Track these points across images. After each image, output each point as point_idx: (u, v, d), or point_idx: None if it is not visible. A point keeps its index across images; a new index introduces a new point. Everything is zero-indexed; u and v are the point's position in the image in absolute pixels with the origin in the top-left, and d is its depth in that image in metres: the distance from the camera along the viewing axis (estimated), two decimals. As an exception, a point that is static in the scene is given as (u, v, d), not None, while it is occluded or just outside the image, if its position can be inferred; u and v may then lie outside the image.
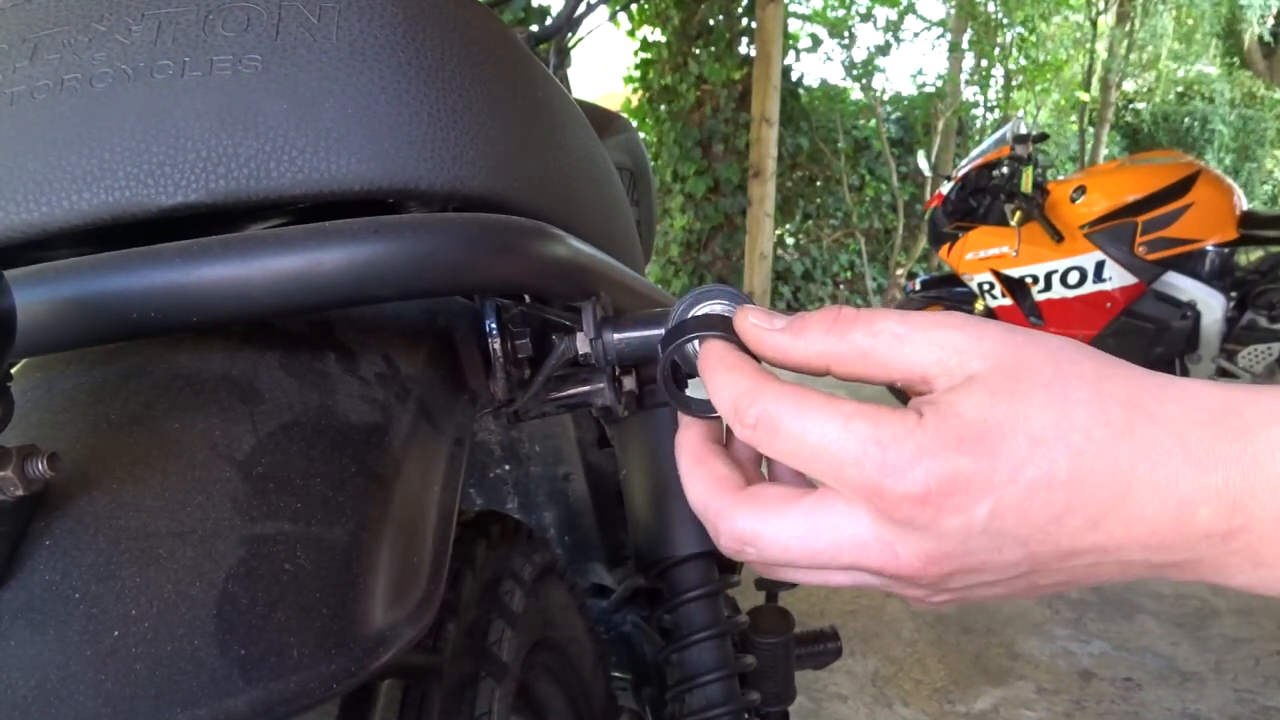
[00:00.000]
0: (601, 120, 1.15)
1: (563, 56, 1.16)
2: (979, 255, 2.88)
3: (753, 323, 0.30)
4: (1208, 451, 0.23)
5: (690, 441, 0.33)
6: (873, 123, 6.11)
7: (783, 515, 0.27)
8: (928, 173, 3.87)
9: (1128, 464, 0.23)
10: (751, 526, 0.27)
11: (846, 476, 0.25)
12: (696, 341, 0.32)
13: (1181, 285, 2.63)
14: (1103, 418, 0.24)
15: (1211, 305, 2.60)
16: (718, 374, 0.29)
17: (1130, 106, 9.40)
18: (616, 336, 0.40)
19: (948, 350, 0.26)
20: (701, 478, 0.30)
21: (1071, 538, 0.24)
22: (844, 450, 0.24)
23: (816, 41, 5.92)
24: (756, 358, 0.30)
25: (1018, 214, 2.74)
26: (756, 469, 0.33)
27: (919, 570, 0.25)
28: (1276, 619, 1.77)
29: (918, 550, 0.25)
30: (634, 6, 4.96)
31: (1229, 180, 2.68)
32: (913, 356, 0.26)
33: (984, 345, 0.26)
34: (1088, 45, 7.11)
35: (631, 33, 5.36)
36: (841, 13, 5.99)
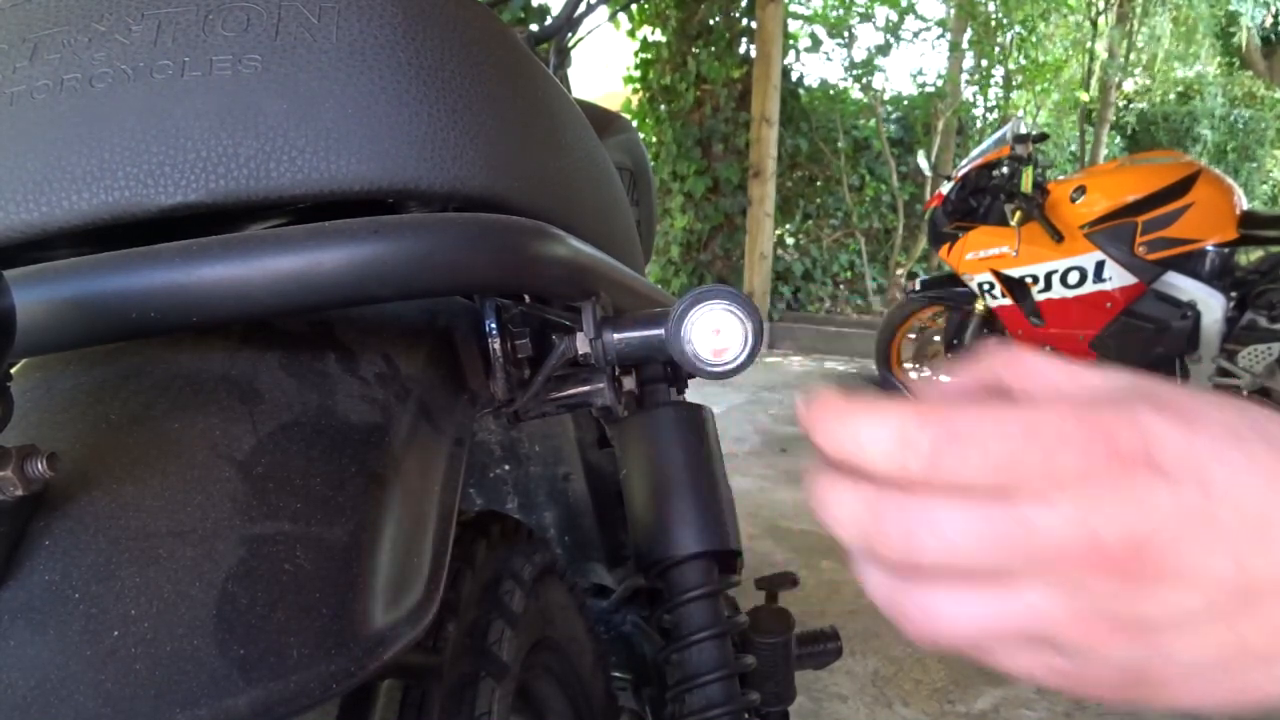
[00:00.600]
0: (601, 120, 1.15)
1: (563, 56, 1.16)
2: (979, 255, 2.89)
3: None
4: None
5: None
6: (873, 123, 6.11)
7: (961, 505, 0.22)
8: (928, 173, 3.87)
9: None
10: (929, 509, 0.22)
11: (1057, 462, 0.21)
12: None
13: (1181, 285, 2.63)
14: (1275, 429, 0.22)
15: (1211, 305, 2.60)
16: (871, 421, 0.23)
17: (1130, 106, 9.40)
18: (616, 336, 0.40)
19: (1090, 390, 0.24)
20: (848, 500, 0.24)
21: None
22: (1050, 433, 0.21)
23: (816, 41, 5.92)
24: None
25: (1018, 214, 2.74)
26: None
27: (1120, 557, 0.21)
28: (1276, 619, 1.77)
29: (1121, 526, 0.21)
30: (634, 6, 4.96)
31: (1229, 180, 2.68)
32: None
33: (1118, 382, 0.24)
34: (1087, 45, 7.11)
35: (631, 33, 5.35)
36: (841, 13, 5.99)
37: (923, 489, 0.23)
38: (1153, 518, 0.21)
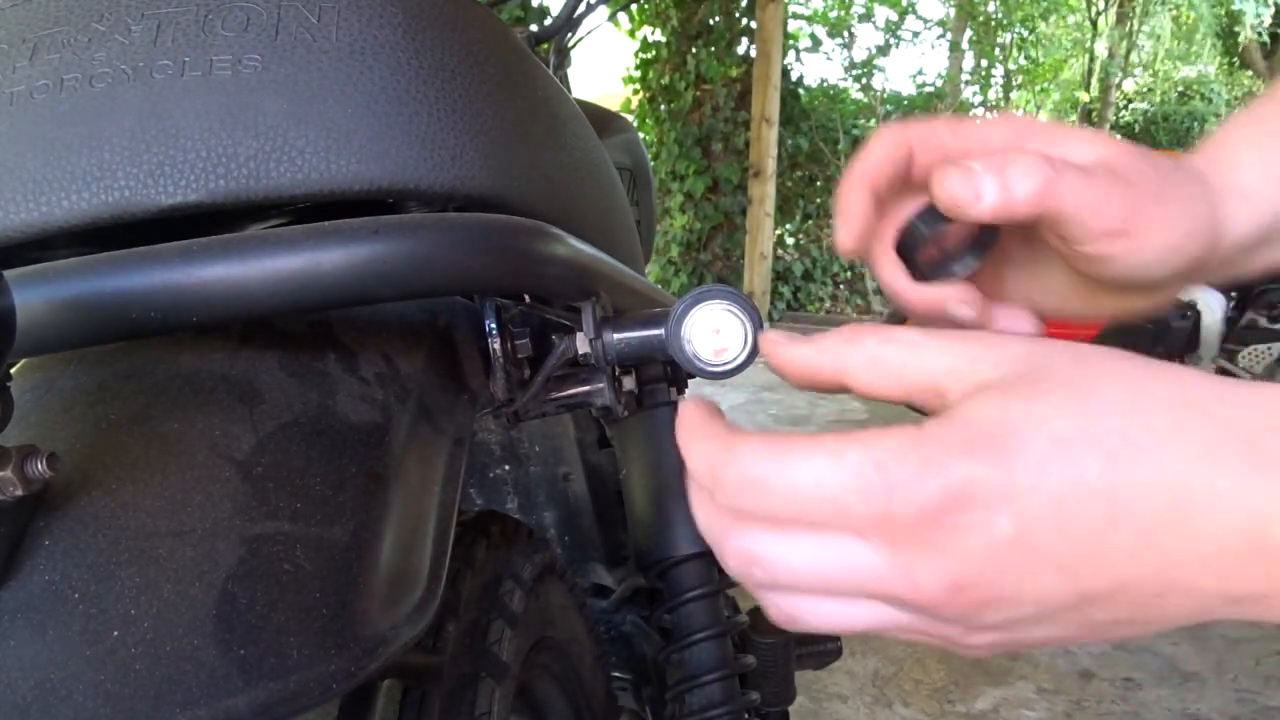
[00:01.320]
0: (601, 120, 1.15)
1: (563, 56, 1.16)
2: (979, 255, 2.89)
3: (772, 339, 0.29)
4: None
5: (693, 414, 0.28)
6: (873, 123, 6.11)
7: (789, 535, 0.24)
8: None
9: (1180, 470, 0.20)
10: (760, 545, 0.24)
11: (852, 514, 0.22)
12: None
13: (1181, 285, 2.62)
14: (1142, 420, 0.21)
15: (1211, 305, 2.60)
16: (694, 444, 0.26)
17: (1130, 106, 9.41)
18: (616, 336, 0.40)
19: (960, 357, 0.24)
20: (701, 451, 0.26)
21: (1122, 560, 0.21)
22: (840, 483, 0.22)
23: (816, 41, 5.92)
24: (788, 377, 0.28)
25: (1018, 214, 2.74)
26: None
27: (944, 600, 0.22)
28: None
29: (940, 576, 0.22)
30: (634, 6, 4.96)
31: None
32: (925, 364, 0.24)
33: (1000, 352, 0.24)
34: (1087, 45, 7.11)
35: (631, 33, 5.36)
36: (841, 13, 5.99)
37: (755, 530, 0.24)
38: (968, 561, 0.21)
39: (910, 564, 0.22)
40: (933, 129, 0.31)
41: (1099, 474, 0.20)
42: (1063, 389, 0.22)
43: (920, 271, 0.32)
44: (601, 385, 0.46)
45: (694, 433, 0.26)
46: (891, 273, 0.33)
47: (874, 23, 5.97)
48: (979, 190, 0.27)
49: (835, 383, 0.27)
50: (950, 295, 0.32)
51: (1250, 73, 8.77)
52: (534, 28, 1.10)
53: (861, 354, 0.26)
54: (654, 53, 5.43)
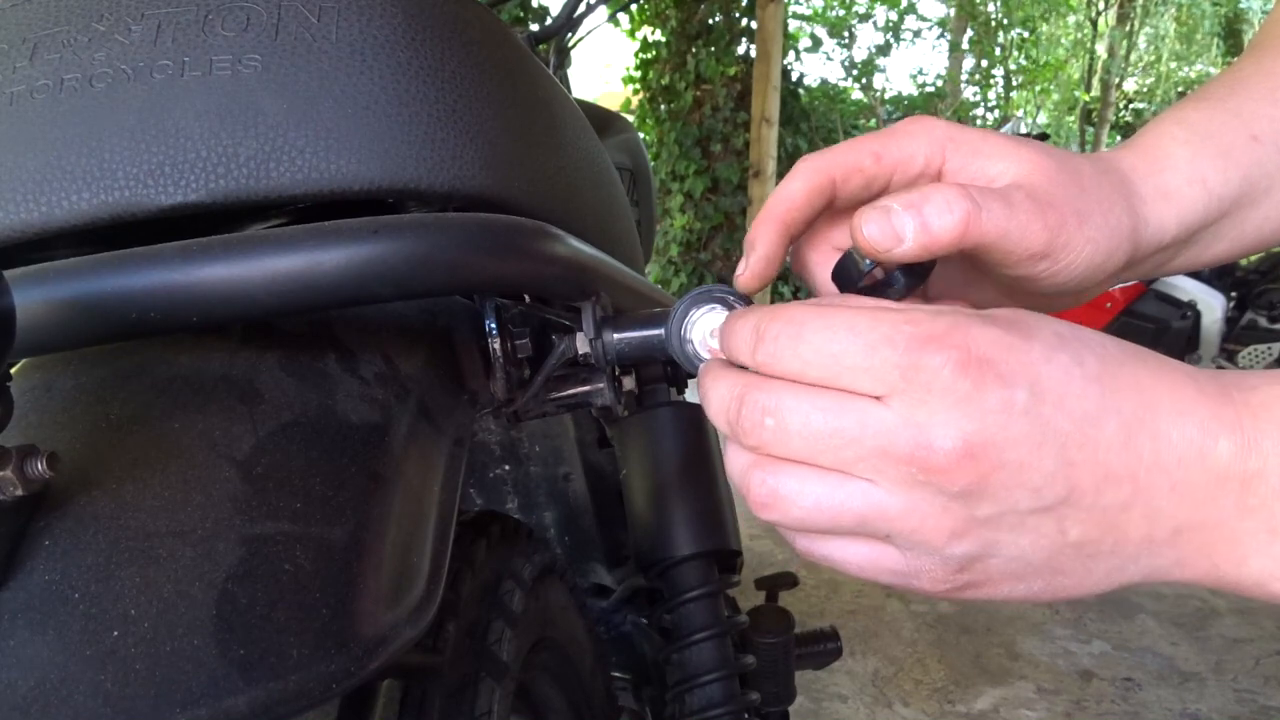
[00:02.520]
0: (601, 120, 1.15)
1: (563, 56, 1.16)
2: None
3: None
4: (1219, 390, 0.24)
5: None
6: (873, 123, 6.11)
7: (812, 392, 0.24)
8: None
9: (1149, 382, 0.24)
10: (776, 396, 0.25)
11: (881, 358, 0.23)
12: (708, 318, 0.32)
13: (1182, 285, 2.63)
14: (1114, 341, 0.24)
15: (1211, 305, 2.60)
16: (737, 319, 0.27)
17: (1130, 106, 9.41)
18: (616, 336, 0.40)
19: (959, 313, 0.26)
20: (729, 371, 0.27)
21: (1107, 449, 0.23)
22: (875, 332, 0.23)
23: (816, 41, 5.92)
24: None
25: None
26: None
27: (952, 463, 0.22)
28: (1276, 619, 1.77)
29: (954, 433, 0.22)
30: (634, 6, 4.96)
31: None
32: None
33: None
34: (1088, 45, 7.11)
35: (631, 33, 5.36)
36: (841, 13, 5.99)
37: (777, 383, 0.25)
38: (985, 421, 0.23)
39: (926, 420, 0.23)
40: (853, 155, 0.32)
41: (1094, 365, 0.23)
42: (1055, 319, 0.25)
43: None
44: (601, 385, 0.46)
45: (743, 313, 0.28)
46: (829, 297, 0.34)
47: (874, 23, 5.97)
48: (899, 232, 0.27)
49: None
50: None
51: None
52: (534, 27, 1.10)
53: (864, 300, 0.27)
54: (654, 53, 5.43)
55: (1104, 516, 0.24)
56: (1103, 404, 0.23)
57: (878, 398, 0.23)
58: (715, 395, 0.27)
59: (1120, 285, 2.72)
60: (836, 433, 0.24)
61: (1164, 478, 0.23)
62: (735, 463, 0.26)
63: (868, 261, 0.30)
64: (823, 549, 0.26)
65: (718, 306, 0.33)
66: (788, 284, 6.01)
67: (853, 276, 0.31)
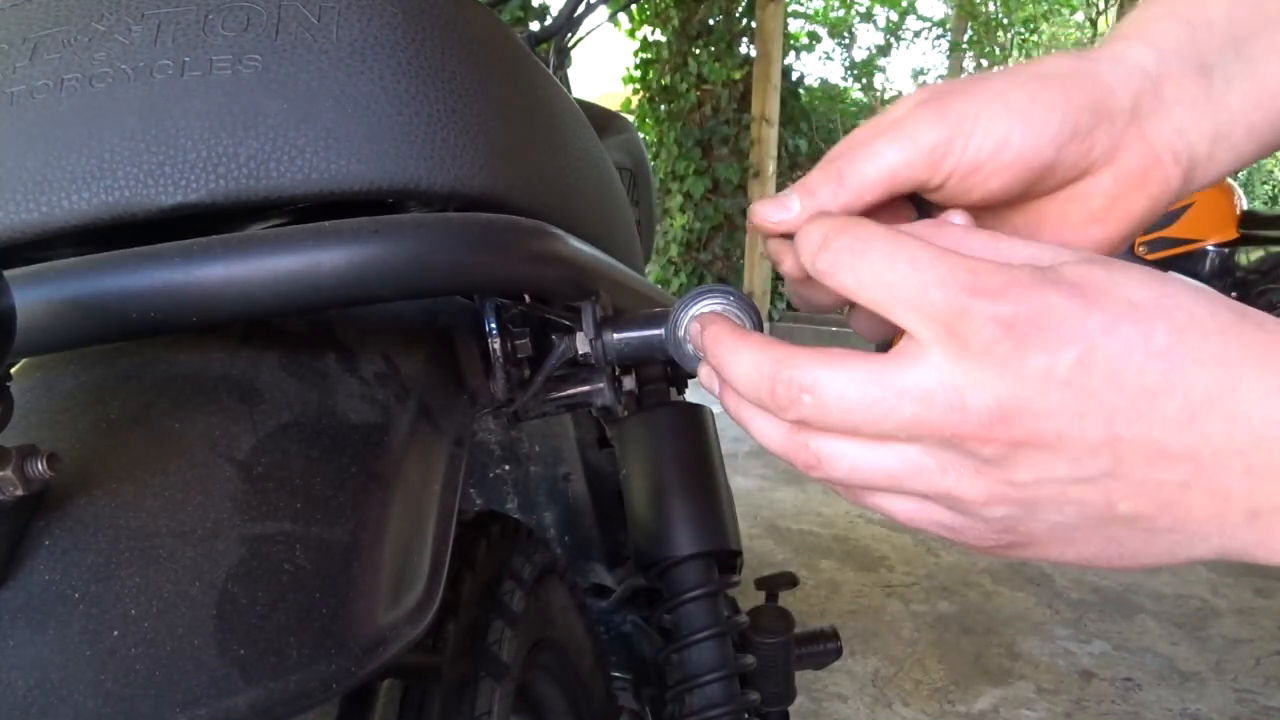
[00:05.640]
0: (601, 120, 1.16)
1: (563, 56, 1.16)
2: (979, 255, 2.89)
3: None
4: None
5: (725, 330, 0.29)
6: (873, 123, 6.11)
7: (845, 364, 0.24)
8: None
9: (1236, 357, 0.21)
10: (812, 373, 0.24)
11: (929, 298, 0.23)
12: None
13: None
14: (1209, 309, 0.22)
15: (1212, 305, 2.60)
16: (811, 222, 0.27)
17: (1130, 106, 9.37)
18: (616, 336, 0.40)
19: (1042, 249, 0.25)
20: (750, 345, 0.27)
21: (1164, 427, 0.21)
22: (933, 269, 0.23)
23: (816, 40, 5.92)
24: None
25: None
26: None
27: (986, 427, 0.22)
28: (1276, 619, 1.77)
29: (990, 396, 0.22)
30: (634, 6, 4.96)
31: (1229, 180, 2.68)
32: (1008, 254, 0.25)
33: (1079, 252, 0.25)
34: (1087, 45, 7.12)
35: (631, 33, 5.36)
36: (841, 13, 6.00)
37: (805, 359, 0.25)
38: (1022, 388, 0.22)
39: (963, 381, 0.22)
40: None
41: (1164, 339, 0.21)
42: (1142, 273, 0.23)
43: None
44: (601, 385, 0.46)
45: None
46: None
47: (874, 23, 5.98)
48: (788, 205, 0.29)
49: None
50: None
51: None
52: (534, 27, 1.10)
53: (949, 238, 0.26)
54: (654, 53, 5.43)
55: (1158, 493, 0.22)
56: (1166, 380, 0.21)
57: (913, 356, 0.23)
58: (740, 373, 0.26)
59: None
60: (876, 403, 0.23)
61: (1237, 460, 0.21)
62: (771, 433, 0.26)
63: None
64: (872, 500, 0.27)
65: (718, 306, 0.33)
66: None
67: None
